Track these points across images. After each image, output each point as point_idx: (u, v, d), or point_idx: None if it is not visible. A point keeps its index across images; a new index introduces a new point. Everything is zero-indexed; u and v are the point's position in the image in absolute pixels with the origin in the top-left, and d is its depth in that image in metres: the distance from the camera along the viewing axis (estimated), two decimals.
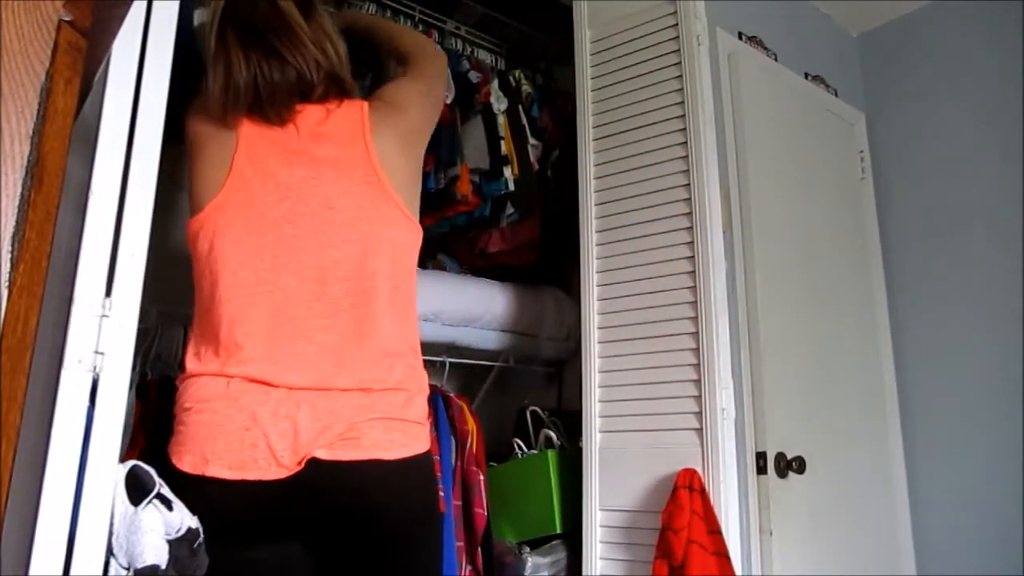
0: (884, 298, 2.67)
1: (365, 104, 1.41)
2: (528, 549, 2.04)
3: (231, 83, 1.31)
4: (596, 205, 2.05)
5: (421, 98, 1.50)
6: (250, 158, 1.31)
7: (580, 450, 1.96)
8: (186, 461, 1.17)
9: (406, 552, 1.26)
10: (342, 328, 1.26)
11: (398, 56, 1.66)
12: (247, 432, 1.17)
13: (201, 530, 1.09)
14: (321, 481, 1.18)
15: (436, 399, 2.01)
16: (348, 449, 1.20)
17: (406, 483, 1.26)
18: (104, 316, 0.98)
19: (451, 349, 2.29)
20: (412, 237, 1.38)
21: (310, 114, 1.37)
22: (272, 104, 1.32)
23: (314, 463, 1.17)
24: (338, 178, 1.32)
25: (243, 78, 1.31)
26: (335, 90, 1.40)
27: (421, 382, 1.34)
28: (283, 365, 1.22)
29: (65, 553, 0.90)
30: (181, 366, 1.27)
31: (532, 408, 2.31)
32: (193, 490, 1.14)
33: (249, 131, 1.33)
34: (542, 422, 2.27)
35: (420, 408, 1.32)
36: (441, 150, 2.14)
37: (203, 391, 1.21)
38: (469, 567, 1.95)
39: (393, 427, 1.25)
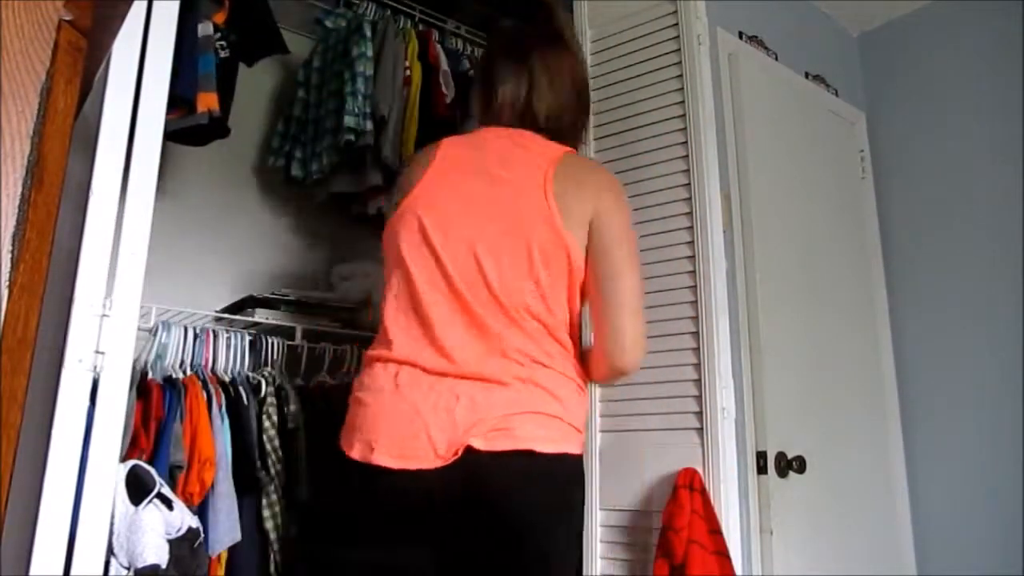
0: (884, 297, 2.67)
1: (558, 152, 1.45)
2: None
3: None
4: None
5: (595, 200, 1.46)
6: (437, 171, 1.43)
7: None
8: (356, 449, 1.25)
9: (533, 545, 1.26)
10: (502, 328, 1.32)
11: None
12: (410, 424, 1.24)
13: (201, 529, 1.09)
14: (476, 471, 1.22)
15: None
16: (501, 440, 1.24)
17: (551, 476, 1.27)
18: (104, 316, 0.98)
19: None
20: (562, 253, 1.37)
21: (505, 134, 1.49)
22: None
23: (470, 452, 1.22)
24: (517, 189, 1.38)
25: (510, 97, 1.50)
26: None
27: (568, 386, 1.35)
28: (447, 355, 1.29)
29: (66, 553, 0.90)
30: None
31: None
32: (360, 476, 1.24)
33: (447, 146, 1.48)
34: None
35: (573, 409, 1.34)
36: None
37: (373, 379, 1.31)
38: None
39: (545, 422, 1.28)
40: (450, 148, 1.46)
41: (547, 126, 1.48)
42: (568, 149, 1.46)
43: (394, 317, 1.35)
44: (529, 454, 1.23)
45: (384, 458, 1.22)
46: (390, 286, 1.38)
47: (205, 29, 1.77)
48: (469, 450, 1.21)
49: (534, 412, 1.27)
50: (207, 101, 1.75)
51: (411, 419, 1.24)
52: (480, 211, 1.36)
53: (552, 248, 1.34)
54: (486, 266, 1.32)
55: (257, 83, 2.29)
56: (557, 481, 1.28)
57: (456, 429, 1.23)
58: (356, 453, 1.25)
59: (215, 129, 1.84)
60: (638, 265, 1.41)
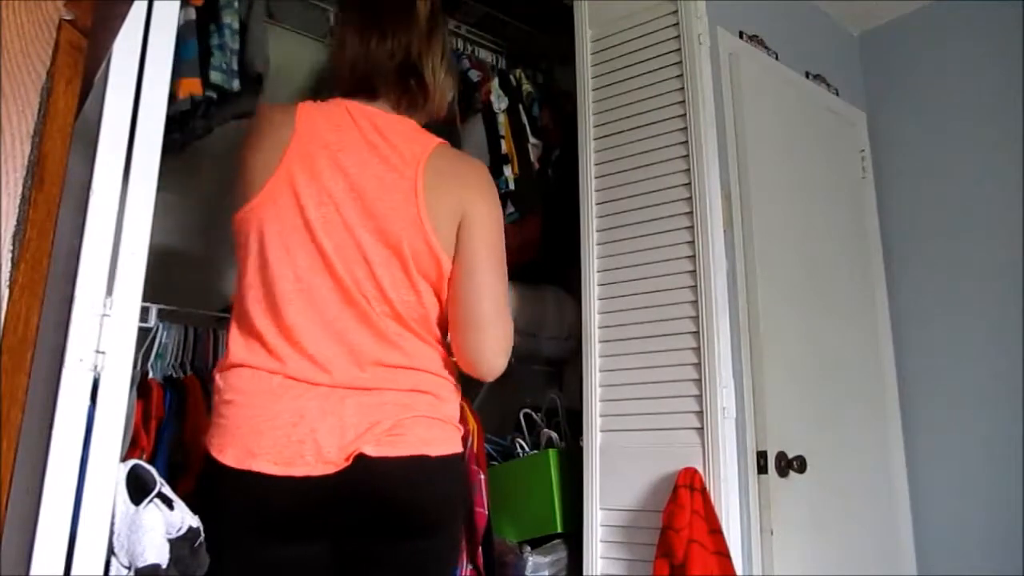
0: (885, 297, 2.67)
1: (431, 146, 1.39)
2: (529, 548, 2.04)
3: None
4: (597, 204, 2.05)
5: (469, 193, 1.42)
6: (299, 156, 1.31)
7: (581, 449, 1.96)
8: (228, 454, 1.17)
9: (428, 544, 1.29)
10: (374, 332, 1.28)
11: None
12: (294, 428, 1.18)
13: (202, 529, 1.09)
14: (368, 477, 1.19)
15: None
16: (394, 445, 1.22)
17: (445, 478, 1.29)
18: (105, 315, 0.98)
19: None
20: (427, 254, 1.34)
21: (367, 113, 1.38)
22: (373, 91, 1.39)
23: (361, 459, 1.18)
24: (381, 192, 1.32)
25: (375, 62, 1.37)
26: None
27: (446, 387, 1.35)
28: (327, 365, 1.24)
29: (66, 552, 0.90)
30: (224, 352, 1.29)
31: (552, 396, 2.32)
32: (235, 484, 1.16)
33: (303, 129, 1.34)
34: (555, 414, 2.28)
35: (453, 410, 1.34)
36: None
37: (246, 383, 1.22)
38: (470, 566, 1.95)
39: (433, 425, 1.28)
40: (308, 122, 1.32)
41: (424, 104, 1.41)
42: (440, 141, 1.40)
43: (260, 318, 1.25)
44: (422, 459, 1.24)
45: (266, 464, 1.16)
46: (249, 283, 1.28)
47: (186, 15, 1.74)
48: (360, 456, 1.18)
49: (424, 416, 1.27)
50: (189, 86, 1.72)
51: (295, 423, 1.19)
52: (353, 206, 1.29)
53: (425, 255, 1.31)
54: (376, 271, 1.28)
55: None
56: (447, 483, 1.30)
57: (346, 434, 1.19)
58: (230, 459, 1.17)
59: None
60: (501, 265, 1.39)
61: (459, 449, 1.32)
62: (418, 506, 1.26)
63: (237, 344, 1.26)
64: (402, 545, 1.26)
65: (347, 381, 1.23)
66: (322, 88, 2.01)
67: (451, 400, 1.34)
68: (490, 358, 1.38)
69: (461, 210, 1.34)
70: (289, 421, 1.18)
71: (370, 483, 1.20)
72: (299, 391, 1.21)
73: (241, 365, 1.23)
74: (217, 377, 1.26)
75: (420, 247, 1.31)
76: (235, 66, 1.84)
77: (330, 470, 1.18)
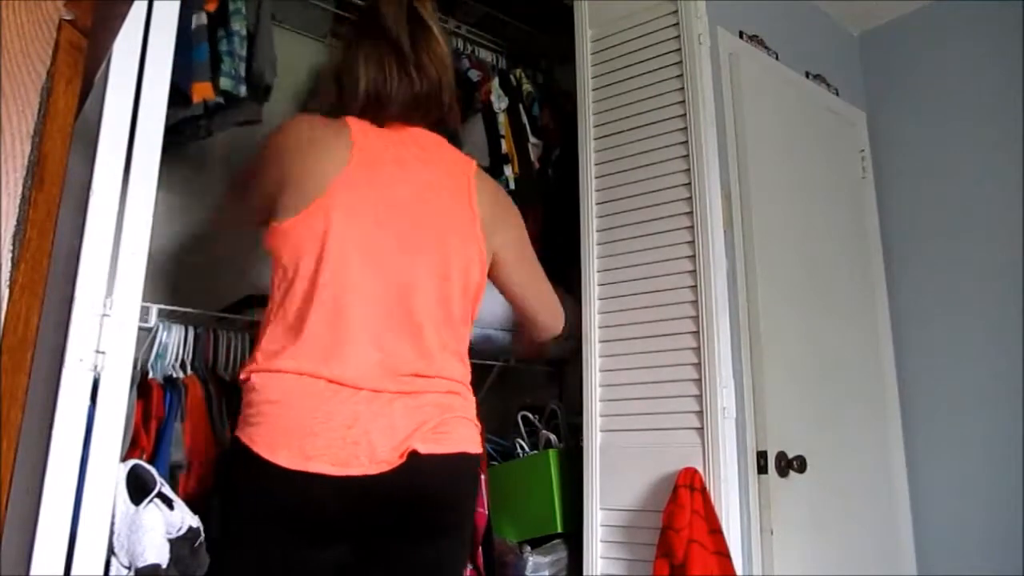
0: (885, 297, 2.67)
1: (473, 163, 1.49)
2: (529, 548, 2.04)
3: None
4: (597, 204, 2.05)
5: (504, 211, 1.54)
6: (360, 166, 1.34)
7: (580, 449, 1.96)
8: (281, 455, 1.18)
9: (451, 542, 1.36)
10: (410, 338, 1.33)
11: None
12: (349, 430, 1.22)
13: (202, 529, 1.09)
14: (419, 473, 1.25)
15: None
16: (441, 443, 1.28)
17: (475, 475, 1.40)
18: (105, 315, 0.98)
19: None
20: (476, 255, 1.43)
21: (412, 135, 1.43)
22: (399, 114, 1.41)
23: (414, 456, 1.24)
24: (444, 200, 1.40)
25: (394, 84, 1.39)
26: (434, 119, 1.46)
27: (468, 390, 1.43)
28: (366, 371, 1.27)
29: (66, 552, 0.90)
30: (254, 355, 1.29)
31: (552, 407, 2.32)
32: (289, 484, 1.18)
33: (362, 142, 1.37)
34: (555, 415, 2.28)
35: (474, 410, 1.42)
36: None
37: (293, 386, 1.24)
38: (470, 566, 1.95)
39: (469, 425, 1.37)
40: (362, 134, 1.37)
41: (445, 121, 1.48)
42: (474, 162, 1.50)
43: (309, 323, 1.27)
44: (465, 456, 1.33)
45: (323, 465, 1.19)
46: (296, 288, 1.29)
47: (199, 19, 1.76)
48: (413, 453, 1.24)
49: (462, 417, 1.35)
50: (202, 91, 1.73)
51: (350, 426, 1.22)
52: (409, 220, 1.35)
53: (476, 263, 1.41)
54: (422, 284, 1.33)
55: None
56: (476, 481, 1.44)
57: (396, 434, 1.24)
58: (283, 459, 1.18)
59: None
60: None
61: (481, 450, 1.42)
62: (457, 501, 1.35)
63: (276, 346, 1.27)
64: (429, 544, 1.31)
65: (389, 387, 1.28)
66: (323, 97, 2.01)
67: (473, 403, 1.42)
68: (555, 325, 1.65)
69: (503, 231, 1.47)
70: (343, 423, 1.21)
71: (422, 479, 1.26)
72: (346, 395, 1.24)
73: (282, 370, 1.25)
74: (254, 378, 1.26)
75: (473, 255, 1.40)
76: (243, 72, 1.85)
77: (384, 468, 1.22)
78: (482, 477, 2.01)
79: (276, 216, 1.31)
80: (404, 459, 1.23)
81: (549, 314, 1.62)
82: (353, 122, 1.37)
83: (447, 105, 1.44)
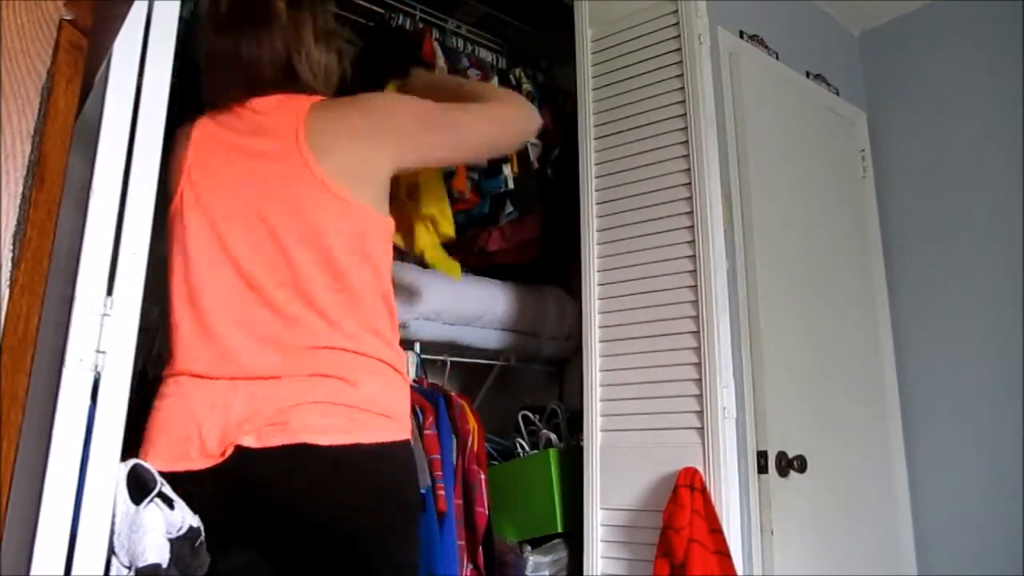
0: (885, 297, 2.67)
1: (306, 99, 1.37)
2: (529, 548, 2.04)
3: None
4: (597, 204, 2.05)
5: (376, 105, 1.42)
6: (197, 156, 1.34)
7: (581, 449, 1.96)
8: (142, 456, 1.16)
9: (335, 558, 1.18)
10: (278, 316, 1.23)
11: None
12: (184, 426, 1.18)
13: (202, 528, 1.09)
14: (244, 468, 1.13)
15: (437, 398, 2.01)
16: (275, 435, 1.13)
17: (349, 473, 1.16)
18: (105, 315, 0.98)
19: (452, 348, 2.29)
20: (360, 224, 1.29)
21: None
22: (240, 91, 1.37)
23: (240, 451, 1.13)
24: (272, 172, 1.30)
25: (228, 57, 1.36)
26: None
27: (369, 370, 1.24)
28: (224, 356, 1.22)
29: (66, 552, 0.90)
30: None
31: (552, 407, 2.32)
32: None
33: (200, 134, 1.37)
34: (555, 415, 2.28)
35: (373, 395, 1.22)
36: None
37: (162, 390, 1.24)
38: (470, 566, 1.95)
39: (331, 411, 1.17)
40: (201, 128, 1.36)
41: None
42: (315, 99, 1.37)
43: (178, 325, 1.25)
44: (304, 448, 1.13)
45: (157, 462, 1.11)
46: (174, 285, 1.27)
47: None
48: (238, 448, 1.13)
49: (320, 403, 1.17)
50: None
51: (186, 420, 1.17)
52: (241, 203, 1.29)
53: (333, 224, 1.31)
54: (287, 254, 1.25)
55: None
56: (347, 480, 1.16)
57: (228, 426, 1.15)
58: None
59: None
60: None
61: (377, 439, 1.18)
62: (301, 499, 1.15)
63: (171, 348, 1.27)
64: (307, 556, 1.17)
65: (244, 371, 1.19)
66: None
67: (366, 384, 1.21)
68: (523, 129, 1.59)
69: (380, 156, 1.33)
70: (180, 419, 1.19)
71: (247, 475, 1.13)
72: (192, 388, 1.20)
73: (170, 374, 1.25)
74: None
75: (322, 216, 1.26)
76: None
77: (208, 463, 1.14)
78: (482, 476, 2.01)
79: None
80: (228, 453, 1.13)
81: (505, 133, 1.53)
82: (201, 119, 1.37)
83: (305, 77, 1.36)
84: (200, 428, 1.16)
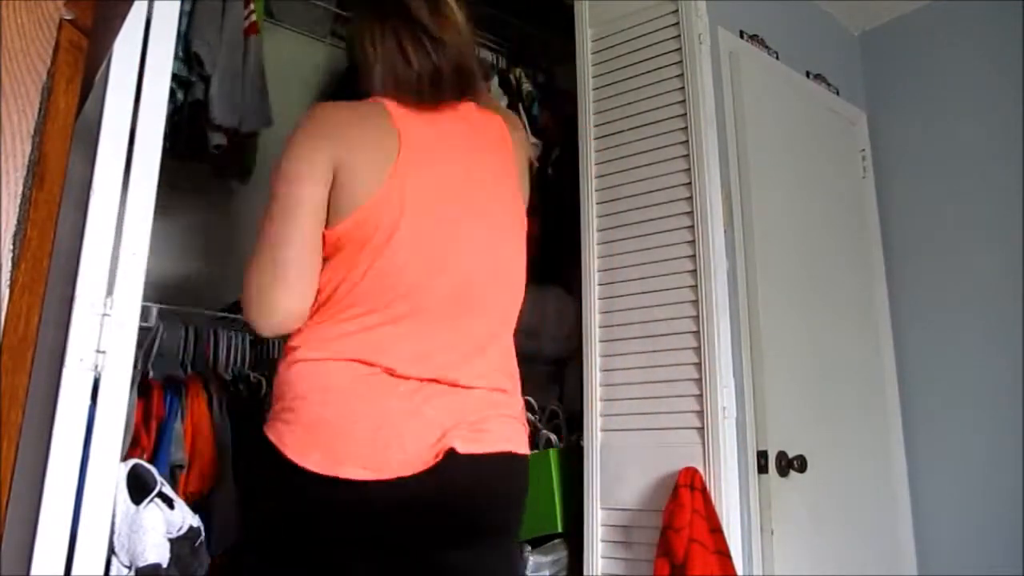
0: (885, 296, 2.67)
1: (499, 117, 1.42)
2: (529, 548, 2.04)
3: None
4: (597, 204, 2.05)
5: (523, 134, 1.53)
6: (414, 150, 1.26)
7: (581, 449, 1.96)
8: (313, 459, 1.11)
9: (498, 549, 1.26)
10: (476, 330, 1.27)
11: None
12: (379, 431, 1.14)
13: (202, 528, 1.09)
14: (458, 472, 1.16)
15: None
16: (481, 442, 1.19)
17: (523, 478, 1.28)
18: (105, 315, 0.98)
19: None
20: (524, 239, 1.40)
21: (447, 110, 1.33)
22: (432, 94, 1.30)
23: (452, 455, 1.15)
24: (495, 186, 1.34)
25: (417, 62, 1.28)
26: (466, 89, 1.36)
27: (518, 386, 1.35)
28: (424, 360, 1.21)
29: (67, 552, 0.90)
30: (288, 347, 1.22)
31: (552, 407, 2.32)
32: (320, 490, 1.11)
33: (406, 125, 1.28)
34: (555, 415, 2.28)
35: (521, 408, 1.34)
36: None
37: (325, 378, 1.17)
38: None
39: (516, 425, 1.27)
40: (408, 122, 1.27)
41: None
42: (496, 105, 1.45)
43: (366, 320, 1.21)
44: (508, 456, 1.22)
45: (355, 471, 1.11)
46: (351, 280, 1.21)
47: None
48: (450, 452, 1.15)
49: (507, 415, 1.26)
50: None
51: (380, 426, 1.14)
52: (465, 209, 1.28)
53: (521, 254, 1.37)
54: (479, 278, 1.27)
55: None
56: (524, 482, 1.29)
57: (431, 432, 1.16)
58: (314, 464, 1.11)
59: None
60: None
61: (528, 451, 1.31)
62: (499, 505, 1.24)
63: (321, 335, 1.20)
64: (473, 552, 1.21)
65: (439, 375, 1.20)
66: (342, 88, 1.96)
67: (521, 403, 1.33)
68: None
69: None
70: (373, 425, 1.14)
71: (459, 480, 1.16)
72: (381, 389, 1.17)
73: (330, 358, 1.18)
74: (290, 370, 1.20)
75: (520, 244, 1.35)
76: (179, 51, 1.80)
77: (418, 469, 1.13)
78: None
79: (336, 216, 1.22)
80: (440, 458, 1.14)
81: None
82: (391, 106, 1.27)
83: (474, 72, 1.34)
84: (401, 436, 1.14)
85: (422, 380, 1.19)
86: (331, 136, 1.22)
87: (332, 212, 1.21)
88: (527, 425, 1.33)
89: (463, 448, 1.15)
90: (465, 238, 1.27)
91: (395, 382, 1.17)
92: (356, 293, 1.20)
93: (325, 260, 1.22)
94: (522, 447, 1.27)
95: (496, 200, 1.33)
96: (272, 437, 1.15)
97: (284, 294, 1.18)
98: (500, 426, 1.23)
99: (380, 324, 1.20)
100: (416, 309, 1.21)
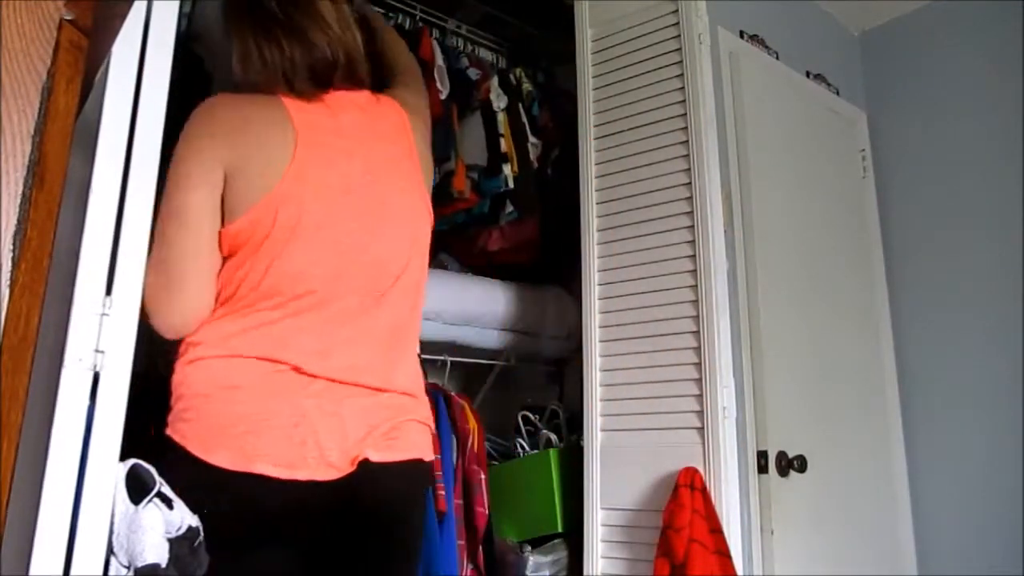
0: (885, 296, 2.67)
1: (396, 102, 1.40)
2: (529, 548, 2.04)
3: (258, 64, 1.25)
4: (597, 204, 2.05)
5: (425, 112, 1.51)
6: (309, 153, 1.24)
7: (581, 449, 1.96)
8: (221, 456, 1.10)
9: (403, 545, 1.28)
10: (381, 327, 1.26)
11: (392, 66, 1.57)
12: (295, 428, 1.13)
13: (201, 528, 1.08)
14: (371, 482, 1.17)
15: (437, 398, 2.01)
16: (394, 449, 1.21)
17: (426, 485, 1.34)
18: (104, 314, 0.98)
19: (452, 348, 2.29)
20: (428, 232, 1.40)
21: (342, 101, 1.31)
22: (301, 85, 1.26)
23: (366, 464, 1.16)
24: (396, 177, 1.32)
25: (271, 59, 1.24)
26: (353, 79, 1.34)
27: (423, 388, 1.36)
28: (330, 357, 1.20)
29: (65, 552, 0.90)
30: (182, 343, 1.20)
31: (552, 407, 2.32)
32: (230, 487, 1.10)
33: (301, 119, 1.25)
34: (555, 415, 2.28)
35: (427, 411, 1.34)
36: (436, 146, 2.13)
37: (232, 376, 1.15)
38: (470, 566, 1.95)
39: (424, 430, 1.29)
40: (303, 114, 1.24)
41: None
42: (392, 95, 1.41)
43: (268, 315, 1.19)
44: (418, 464, 1.25)
45: (266, 467, 1.10)
46: (252, 275, 1.19)
47: None
48: (365, 461, 1.16)
49: (416, 420, 1.27)
50: None
51: (296, 424, 1.14)
52: (368, 201, 1.27)
53: (424, 244, 1.37)
54: (387, 273, 1.27)
55: None
56: (425, 488, 1.38)
57: (347, 437, 1.16)
58: (223, 460, 1.10)
59: None
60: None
61: (434, 456, 1.35)
62: (410, 512, 1.27)
63: (221, 331, 1.18)
64: (380, 559, 1.22)
65: (349, 378, 1.20)
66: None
67: (427, 404, 1.33)
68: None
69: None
70: (289, 421, 1.13)
71: (373, 489, 1.18)
72: (296, 386, 1.16)
73: (222, 356, 1.16)
74: (188, 368, 1.17)
75: (424, 234, 1.35)
76: None
77: (333, 475, 1.15)
78: (482, 476, 2.01)
79: (232, 213, 1.20)
80: (355, 467, 1.15)
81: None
82: (286, 99, 1.25)
83: (355, 62, 1.31)
84: (316, 435, 1.14)
85: (331, 380, 1.18)
86: (220, 135, 1.20)
87: (227, 211, 1.19)
88: (432, 428, 1.34)
89: (376, 457, 1.17)
90: (366, 232, 1.25)
91: (306, 380, 1.17)
92: (258, 291, 1.19)
93: (225, 258, 1.21)
94: (428, 454, 1.29)
95: (397, 192, 1.32)
96: (176, 437, 1.13)
97: (180, 297, 1.16)
98: (409, 432, 1.25)
99: (281, 319, 1.19)
100: (318, 304, 1.20)
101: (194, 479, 1.09)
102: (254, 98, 1.25)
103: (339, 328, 1.21)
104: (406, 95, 1.45)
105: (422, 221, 1.35)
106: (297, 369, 1.16)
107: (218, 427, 1.12)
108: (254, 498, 1.11)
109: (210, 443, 1.11)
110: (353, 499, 1.16)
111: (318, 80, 1.27)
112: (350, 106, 1.31)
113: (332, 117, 1.28)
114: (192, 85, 1.35)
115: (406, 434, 1.24)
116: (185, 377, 1.17)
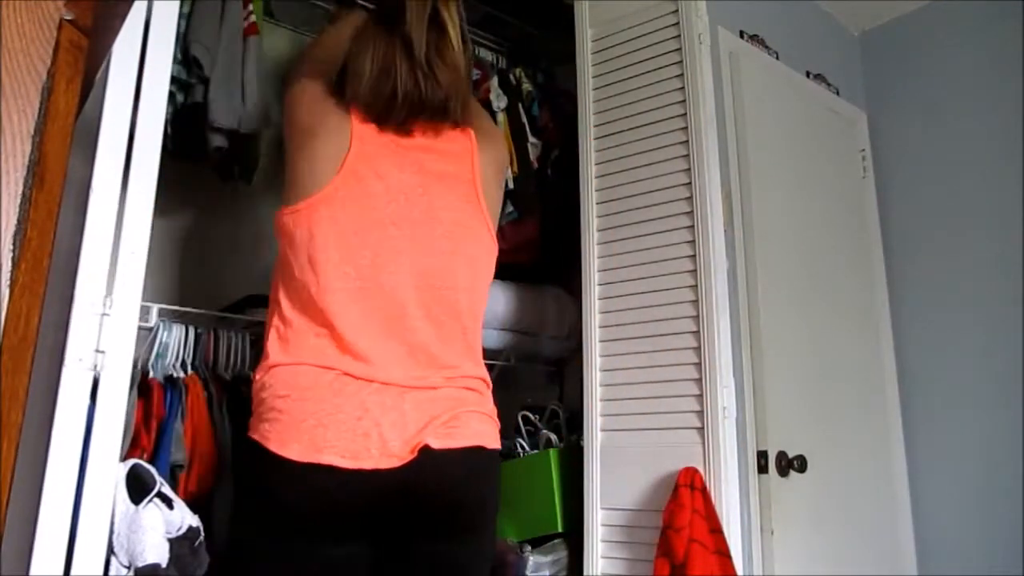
0: (885, 296, 2.67)
1: (471, 129, 1.46)
2: (529, 548, 2.04)
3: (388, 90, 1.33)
4: (597, 204, 2.05)
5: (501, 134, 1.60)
6: (363, 156, 1.32)
7: (581, 449, 1.96)
8: (293, 449, 1.17)
9: (474, 543, 1.33)
10: (432, 331, 1.33)
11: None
12: (359, 421, 1.20)
13: (202, 528, 1.09)
14: (432, 468, 1.22)
15: None
16: (454, 437, 1.26)
17: (495, 472, 1.36)
18: (105, 314, 0.98)
19: None
20: (492, 256, 1.46)
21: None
22: (405, 118, 1.36)
23: (426, 451, 1.21)
24: (445, 191, 1.37)
25: (402, 88, 1.32)
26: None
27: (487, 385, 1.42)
28: (381, 363, 1.26)
29: (66, 552, 0.90)
30: (265, 353, 1.29)
31: (552, 407, 2.32)
32: (302, 478, 1.16)
33: (362, 130, 1.34)
34: (555, 415, 2.28)
35: (492, 405, 1.41)
36: None
37: (302, 379, 1.23)
38: None
39: (486, 420, 1.35)
40: (365, 128, 1.35)
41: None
42: (477, 117, 1.51)
43: (316, 316, 1.28)
44: (479, 450, 1.30)
45: (334, 457, 1.18)
46: (300, 281, 1.28)
47: None
48: (426, 448, 1.22)
49: (475, 411, 1.33)
50: None
51: (359, 417, 1.21)
52: (420, 213, 1.34)
53: (486, 256, 1.44)
54: (436, 281, 1.33)
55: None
56: (495, 474, 1.37)
57: (408, 428, 1.23)
58: (295, 453, 1.18)
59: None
60: None
61: (499, 445, 1.38)
62: (474, 498, 1.30)
63: (283, 343, 1.27)
64: (450, 543, 1.28)
65: (401, 379, 1.27)
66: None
67: (490, 399, 1.40)
68: None
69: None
70: (353, 415, 1.21)
71: (435, 475, 1.23)
72: (356, 387, 1.23)
73: (293, 364, 1.25)
74: (263, 376, 1.27)
75: (482, 246, 1.41)
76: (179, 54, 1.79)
77: (395, 463, 1.20)
78: None
79: (289, 194, 1.31)
80: (415, 454, 1.21)
81: None
82: (355, 114, 1.34)
83: (454, 112, 1.39)
84: (379, 427, 1.21)
85: (387, 384, 1.25)
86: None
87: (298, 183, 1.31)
88: (497, 421, 1.39)
89: (437, 444, 1.22)
90: (419, 241, 1.33)
91: (363, 383, 1.24)
92: (302, 293, 1.28)
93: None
94: (493, 442, 1.34)
95: (451, 206, 1.38)
96: (256, 437, 1.22)
97: None
98: (470, 422, 1.31)
99: (329, 334, 1.27)
100: (374, 310, 1.28)
101: (274, 474, 1.18)
102: (327, 99, 1.38)
103: (387, 338, 1.28)
104: (485, 120, 1.57)
105: (477, 248, 1.41)
106: (353, 376, 1.25)
107: (292, 423, 1.20)
108: (324, 488, 1.18)
109: (285, 438, 1.19)
110: (415, 484, 1.22)
111: (410, 119, 1.37)
112: (416, 141, 1.39)
113: (392, 146, 1.36)
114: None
115: (467, 423, 1.29)
116: (263, 384, 1.26)
